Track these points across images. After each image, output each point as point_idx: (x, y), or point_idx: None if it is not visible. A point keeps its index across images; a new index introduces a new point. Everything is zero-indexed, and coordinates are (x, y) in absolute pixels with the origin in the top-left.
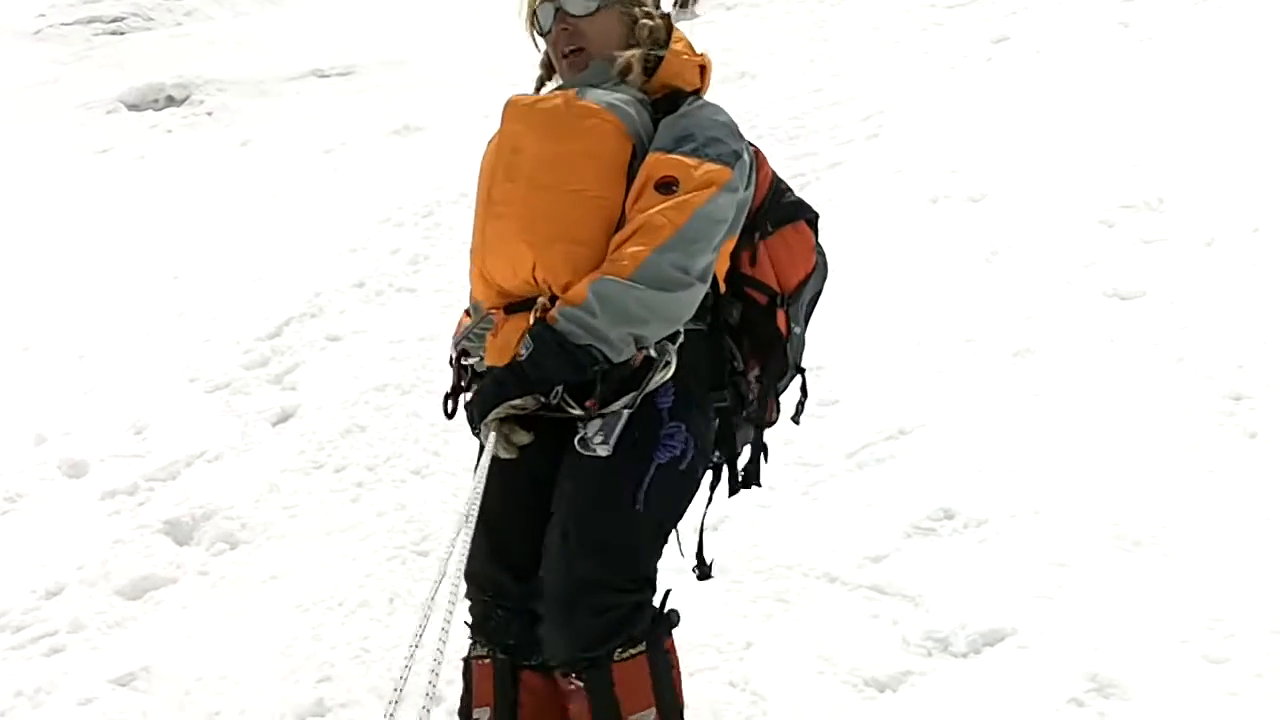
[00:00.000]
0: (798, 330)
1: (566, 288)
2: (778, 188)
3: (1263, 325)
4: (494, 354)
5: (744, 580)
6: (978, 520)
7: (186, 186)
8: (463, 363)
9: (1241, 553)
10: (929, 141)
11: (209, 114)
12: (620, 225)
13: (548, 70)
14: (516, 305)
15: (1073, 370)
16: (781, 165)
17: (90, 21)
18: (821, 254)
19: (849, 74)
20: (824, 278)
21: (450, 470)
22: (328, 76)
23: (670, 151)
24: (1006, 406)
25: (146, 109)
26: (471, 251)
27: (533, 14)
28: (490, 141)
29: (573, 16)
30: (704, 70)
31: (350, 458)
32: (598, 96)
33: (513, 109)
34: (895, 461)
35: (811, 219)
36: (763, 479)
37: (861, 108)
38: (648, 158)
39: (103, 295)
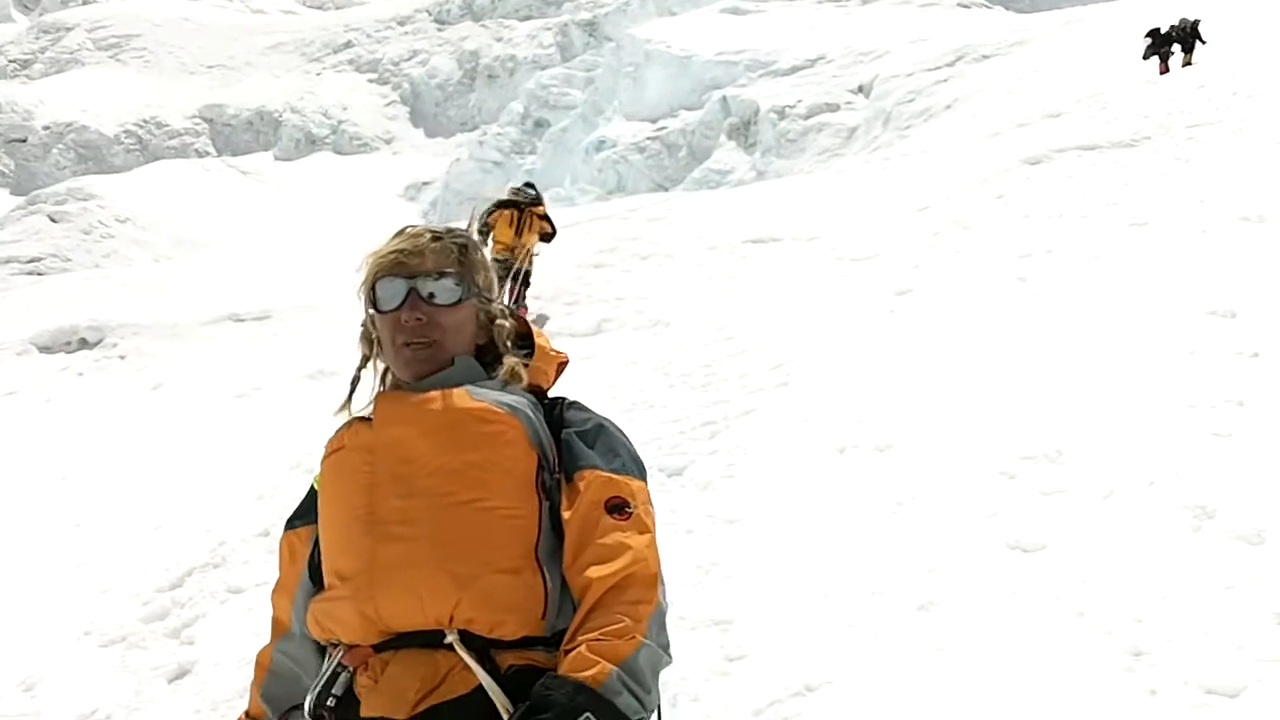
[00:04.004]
0: None
1: (493, 628)
2: None
3: (1160, 580)
4: (381, 702)
5: None
6: None
7: (93, 430)
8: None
9: None
10: (836, 390)
11: (121, 357)
12: (542, 545)
13: (369, 349)
14: (397, 642)
15: (976, 624)
16: (694, 413)
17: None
18: None
19: (759, 323)
20: None
21: None
22: (243, 321)
23: (605, 470)
24: (911, 663)
25: (58, 351)
26: (337, 585)
27: (371, 287)
28: (342, 447)
29: (431, 305)
30: (562, 367)
31: None
32: (491, 397)
33: (394, 406)
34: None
35: None
36: None
37: (771, 356)
38: (591, 475)
39: (0, 543)
